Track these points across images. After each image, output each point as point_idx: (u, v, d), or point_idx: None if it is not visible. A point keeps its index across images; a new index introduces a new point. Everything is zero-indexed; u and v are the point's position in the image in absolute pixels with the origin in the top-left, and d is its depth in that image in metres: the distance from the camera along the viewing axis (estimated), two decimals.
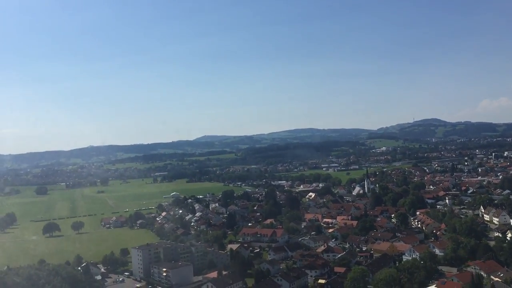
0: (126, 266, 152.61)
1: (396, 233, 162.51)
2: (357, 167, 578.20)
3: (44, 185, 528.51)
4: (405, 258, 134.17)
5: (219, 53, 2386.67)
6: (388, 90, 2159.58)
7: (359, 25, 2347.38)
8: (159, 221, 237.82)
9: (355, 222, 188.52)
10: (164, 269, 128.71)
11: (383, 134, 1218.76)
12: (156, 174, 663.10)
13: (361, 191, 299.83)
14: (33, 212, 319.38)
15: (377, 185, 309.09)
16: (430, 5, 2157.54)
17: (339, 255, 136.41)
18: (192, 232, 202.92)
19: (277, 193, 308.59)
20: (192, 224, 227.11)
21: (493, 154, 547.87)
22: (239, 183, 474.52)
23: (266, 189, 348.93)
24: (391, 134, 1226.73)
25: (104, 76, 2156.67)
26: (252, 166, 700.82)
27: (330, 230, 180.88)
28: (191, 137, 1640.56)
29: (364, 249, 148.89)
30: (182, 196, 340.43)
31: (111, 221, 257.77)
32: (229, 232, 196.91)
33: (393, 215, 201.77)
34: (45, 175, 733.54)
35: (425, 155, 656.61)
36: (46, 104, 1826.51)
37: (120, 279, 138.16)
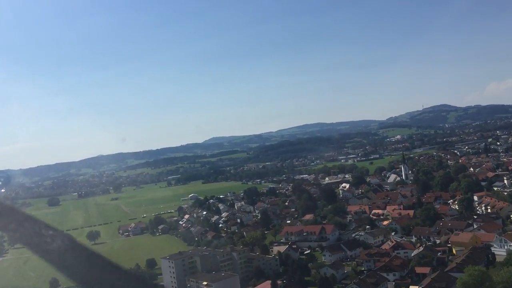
0: (155, 280, 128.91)
1: (468, 221, 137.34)
2: (377, 156, 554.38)
3: (55, 196, 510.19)
4: (495, 250, 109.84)
5: (220, 54, 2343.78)
6: (393, 79, 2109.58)
7: (360, 15, 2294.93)
8: (183, 224, 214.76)
9: (410, 212, 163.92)
10: (205, 283, 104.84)
11: (394, 123, 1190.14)
12: (169, 177, 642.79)
13: (398, 178, 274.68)
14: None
15: (411, 171, 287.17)
16: None
17: (413, 252, 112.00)
18: (223, 234, 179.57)
19: (304, 186, 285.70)
20: (221, 225, 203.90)
21: None
22: (258, 180, 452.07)
23: (291, 184, 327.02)
24: (402, 122, 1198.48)
25: (108, 84, 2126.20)
26: (267, 163, 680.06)
27: (385, 223, 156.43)
28: (200, 139, 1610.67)
29: (437, 243, 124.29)
30: (202, 197, 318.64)
31: (129, 228, 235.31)
32: (266, 232, 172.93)
33: (450, 201, 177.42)
34: (56, 186, 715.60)
35: (444, 139, 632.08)
36: (53, 117, 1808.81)
37: None
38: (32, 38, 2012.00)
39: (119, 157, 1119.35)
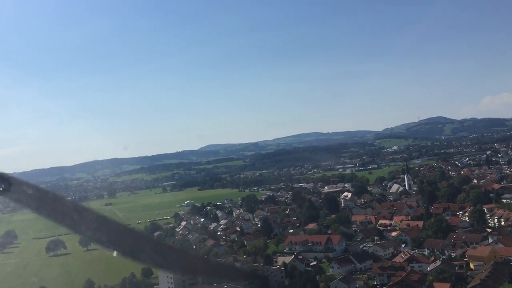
0: None
1: (483, 234, 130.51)
2: (375, 166, 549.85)
3: None
4: None
5: (217, 61, 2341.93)
6: (389, 90, 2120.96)
7: (357, 25, 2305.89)
8: (180, 232, 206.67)
9: (419, 223, 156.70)
10: None
11: (390, 134, 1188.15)
12: (165, 184, 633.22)
13: (401, 189, 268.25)
14: (37, 229, 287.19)
15: (413, 181, 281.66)
16: (426, 3, 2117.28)
17: (430, 267, 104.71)
18: (222, 243, 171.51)
19: (304, 195, 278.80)
20: (219, 233, 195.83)
21: None
22: (255, 188, 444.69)
23: (290, 192, 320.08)
24: (398, 133, 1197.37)
25: (105, 89, 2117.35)
26: (263, 171, 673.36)
27: (394, 234, 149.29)
28: (196, 146, 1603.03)
29: (453, 256, 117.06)
30: (199, 204, 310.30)
31: None
32: (267, 241, 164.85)
33: (459, 213, 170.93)
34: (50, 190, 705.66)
35: (442, 151, 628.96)
36: (48, 121, 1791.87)
37: None
38: (31, 42, 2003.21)
39: (114, 162, 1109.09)
